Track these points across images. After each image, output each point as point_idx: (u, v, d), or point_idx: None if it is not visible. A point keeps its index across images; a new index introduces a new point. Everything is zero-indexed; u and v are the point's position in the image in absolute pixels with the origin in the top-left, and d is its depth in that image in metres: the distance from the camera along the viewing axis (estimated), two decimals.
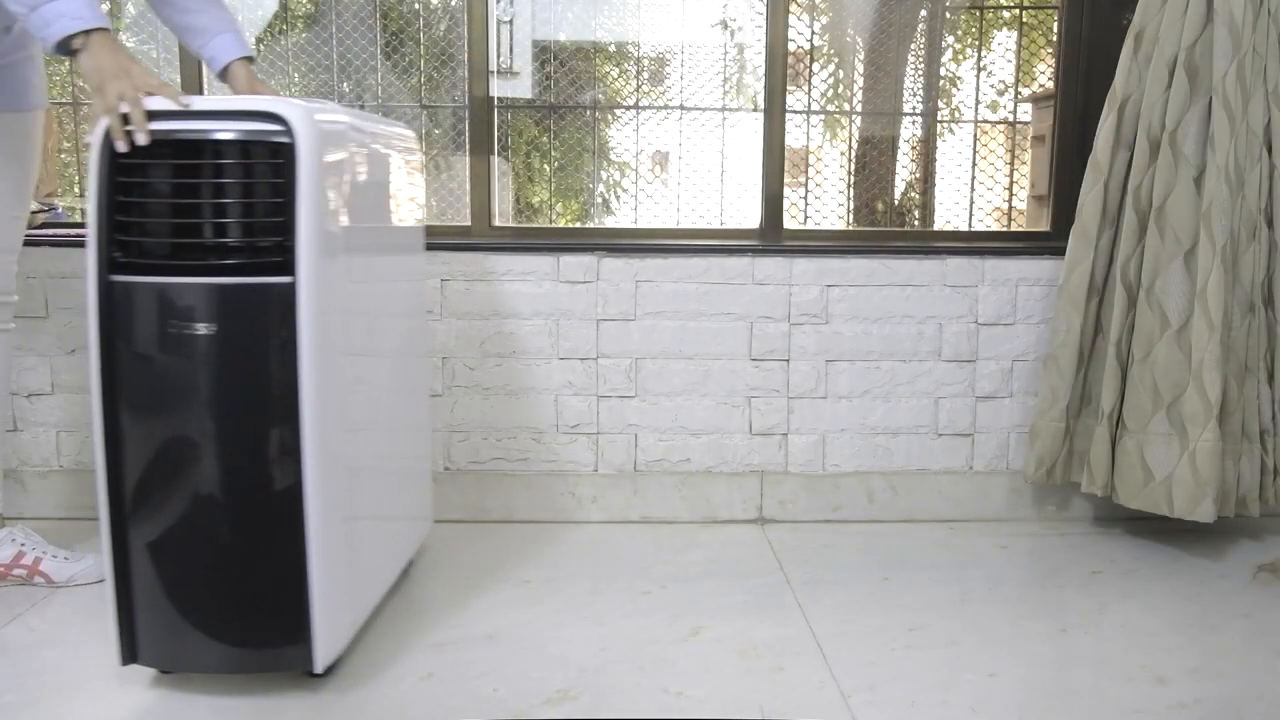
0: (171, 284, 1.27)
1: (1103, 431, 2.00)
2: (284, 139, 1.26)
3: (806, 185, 2.57)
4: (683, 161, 2.55)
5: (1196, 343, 1.87)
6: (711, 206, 2.50)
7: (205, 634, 1.34)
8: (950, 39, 2.65)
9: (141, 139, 1.26)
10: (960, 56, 2.64)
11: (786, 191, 2.32)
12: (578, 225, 2.70)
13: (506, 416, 2.17)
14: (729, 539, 2.09)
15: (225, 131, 1.27)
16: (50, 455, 2.15)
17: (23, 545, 1.77)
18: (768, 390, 2.19)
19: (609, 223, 2.69)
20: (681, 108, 2.57)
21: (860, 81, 2.72)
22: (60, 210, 2.58)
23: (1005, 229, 2.56)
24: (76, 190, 2.66)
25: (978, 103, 2.54)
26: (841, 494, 2.22)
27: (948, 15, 2.64)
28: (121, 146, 1.26)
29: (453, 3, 2.61)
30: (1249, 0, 1.84)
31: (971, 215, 2.52)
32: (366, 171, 1.48)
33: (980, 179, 2.52)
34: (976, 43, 2.58)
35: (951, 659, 1.52)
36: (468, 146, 2.38)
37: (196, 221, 1.28)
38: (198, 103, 1.30)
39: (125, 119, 1.27)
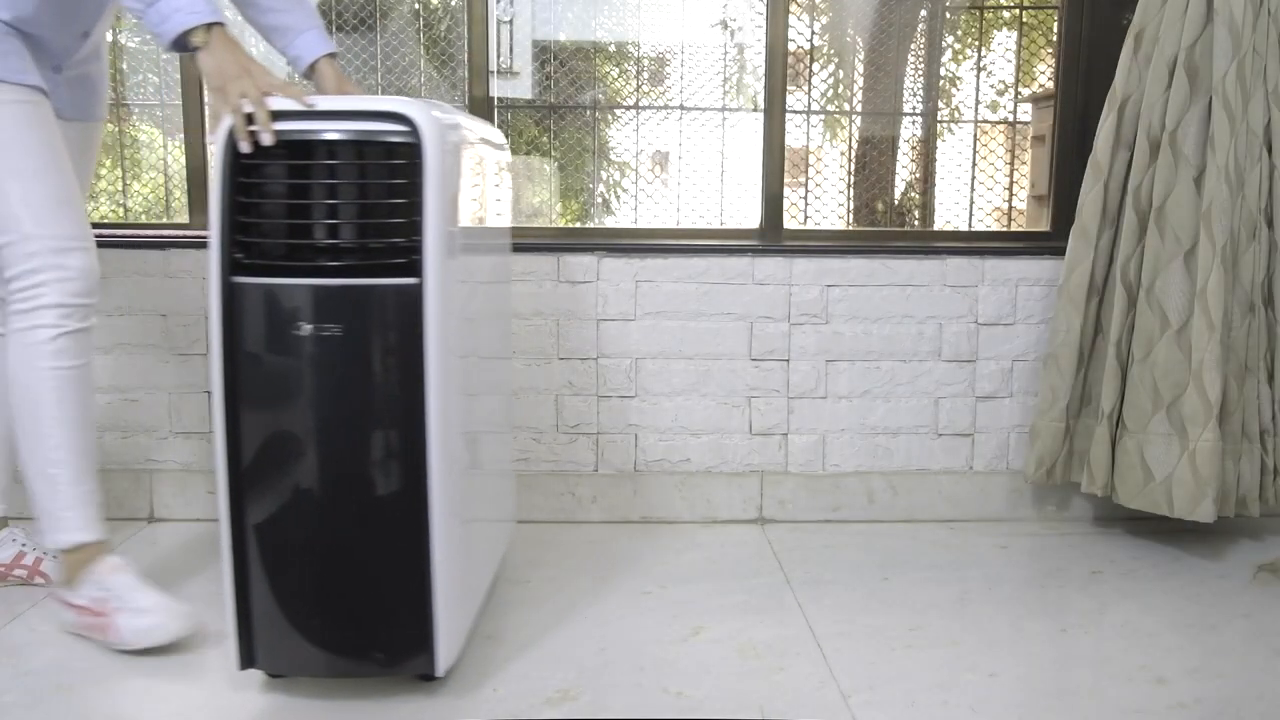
0: (298, 285, 1.25)
1: (1103, 431, 2.00)
2: (410, 139, 1.24)
3: (806, 185, 2.57)
4: (683, 161, 2.55)
5: (1196, 343, 1.87)
6: (711, 206, 2.51)
7: (325, 638, 1.33)
8: (950, 39, 2.65)
9: (267, 139, 1.24)
10: (960, 56, 2.64)
11: (786, 191, 2.32)
12: (578, 225, 2.71)
13: (507, 416, 2.17)
14: (729, 539, 2.09)
15: (350, 132, 1.25)
16: None
17: (24, 546, 1.76)
18: (768, 390, 2.19)
19: (609, 223, 2.69)
20: (681, 108, 2.57)
21: (860, 81, 2.72)
22: None
23: (1005, 229, 2.56)
24: None
25: (978, 103, 2.54)
26: (841, 494, 2.22)
27: (948, 15, 2.64)
28: (244, 147, 1.24)
29: (453, 3, 2.61)
30: (1249, 0, 1.84)
31: (971, 215, 2.52)
32: (474, 171, 1.47)
33: (980, 179, 2.52)
34: (976, 43, 2.58)
35: (951, 659, 1.52)
36: None
37: (323, 223, 1.26)
38: (321, 103, 1.28)
39: (248, 119, 1.25)
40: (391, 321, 1.27)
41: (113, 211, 2.68)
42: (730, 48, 2.60)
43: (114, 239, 2.12)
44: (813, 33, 2.61)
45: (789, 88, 2.52)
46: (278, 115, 1.25)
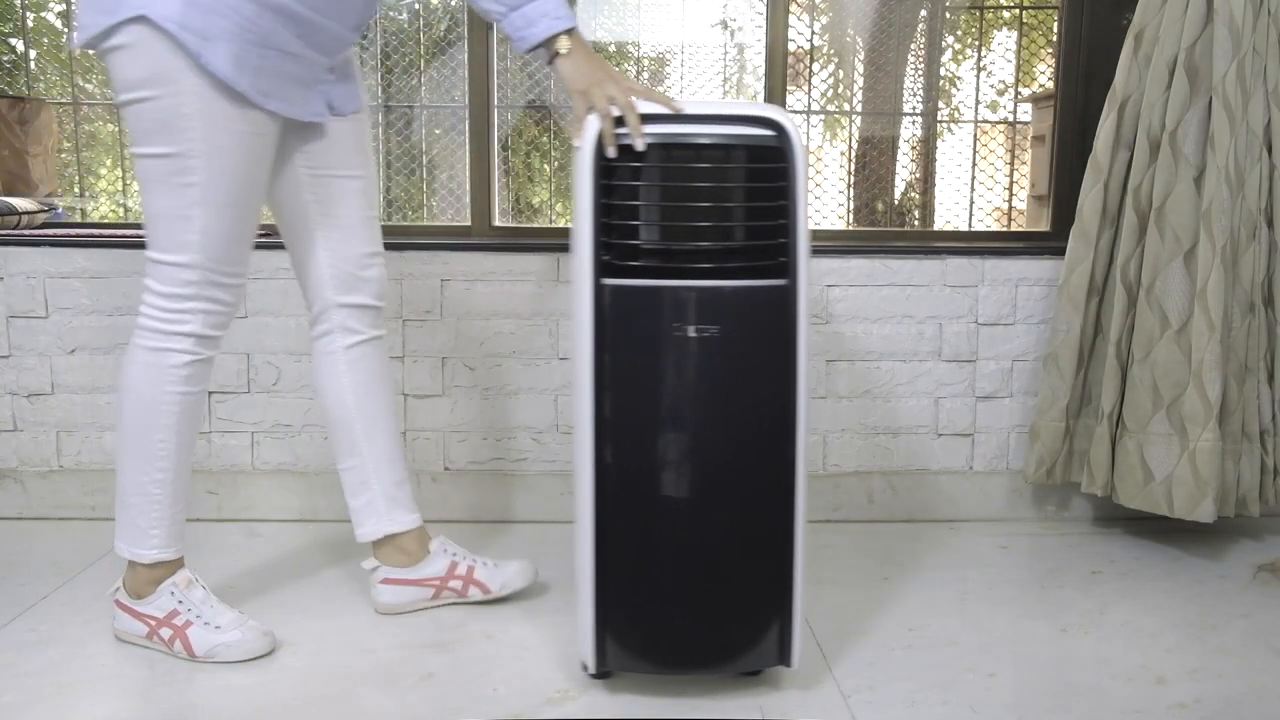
0: (677, 287, 1.27)
1: (1103, 431, 2.00)
2: (778, 143, 1.27)
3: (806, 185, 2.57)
4: None
5: (1196, 343, 1.87)
6: None
7: (692, 635, 1.35)
8: (950, 39, 2.65)
9: (639, 145, 1.25)
10: (960, 56, 2.64)
11: None
12: None
13: (506, 416, 2.17)
14: None
15: (723, 136, 1.27)
16: (50, 455, 2.15)
17: (455, 555, 1.68)
18: None
19: None
20: None
21: (860, 81, 2.72)
22: (60, 210, 2.58)
23: (1005, 229, 2.56)
24: (77, 190, 2.66)
25: (978, 103, 2.55)
26: (841, 494, 2.22)
27: (948, 15, 2.64)
28: (611, 152, 1.25)
29: (453, 3, 2.61)
30: (1249, 0, 1.84)
31: (971, 215, 2.52)
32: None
33: (980, 179, 2.52)
34: (976, 43, 2.58)
35: (951, 659, 1.52)
36: (468, 147, 2.38)
37: (700, 224, 1.27)
38: (688, 107, 1.29)
39: (616, 123, 1.25)
40: (765, 322, 1.29)
41: (113, 211, 2.68)
42: (730, 48, 2.61)
43: (114, 239, 2.12)
44: (813, 33, 2.61)
45: (789, 88, 2.51)
46: (647, 119, 1.27)
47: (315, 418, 2.14)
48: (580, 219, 1.27)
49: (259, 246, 2.10)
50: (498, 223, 2.41)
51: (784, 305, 1.28)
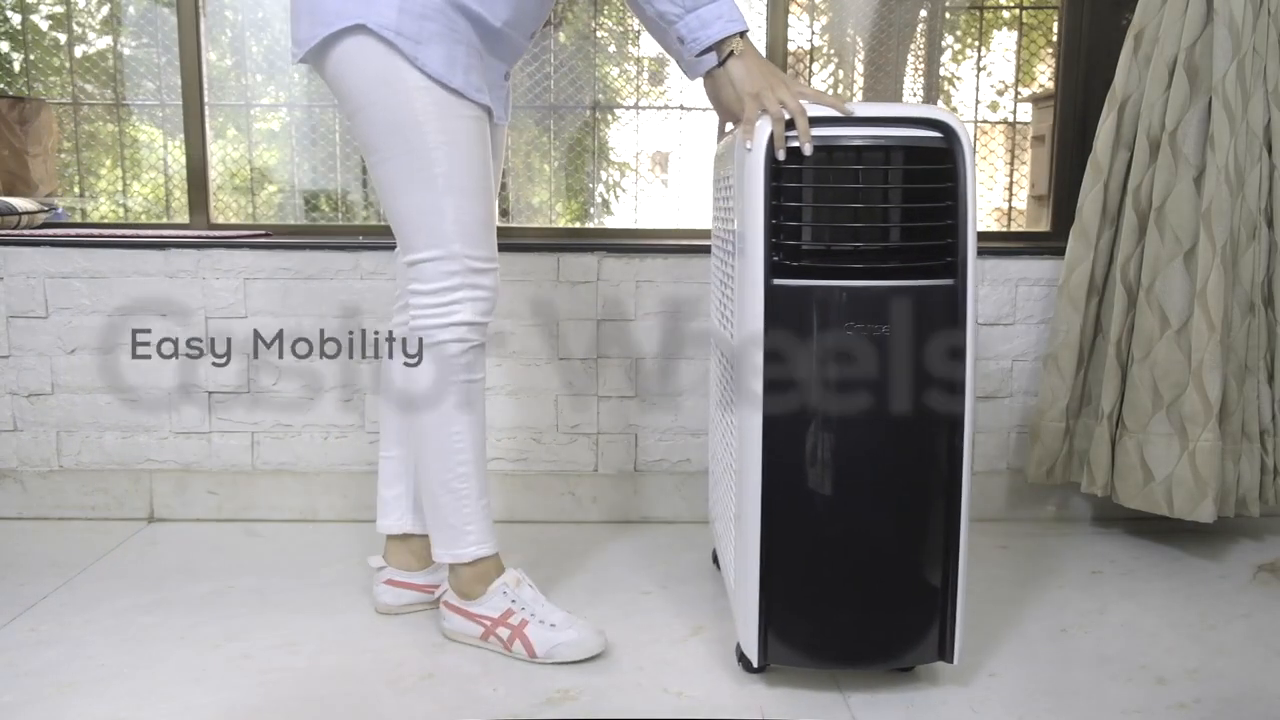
0: (848, 287, 1.29)
1: (1103, 431, 2.00)
2: (946, 144, 1.29)
3: None
4: (683, 161, 2.55)
5: (1196, 343, 1.87)
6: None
7: (856, 630, 1.37)
8: (950, 39, 2.65)
9: (808, 149, 1.26)
10: (960, 56, 2.64)
11: None
12: (578, 225, 2.71)
13: (506, 416, 2.17)
14: None
15: (894, 138, 1.29)
16: (50, 455, 2.15)
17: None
18: None
19: (609, 223, 2.69)
20: (681, 108, 2.57)
21: (860, 81, 2.72)
22: (60, 210, 2.58)
23: (1005, 229, 2.56)
24: (77, 190, 2.67)
25: (977, 103, 2.55)
26: None
27: (948, 15, 2.64)
28: (781, 154, 1.27)
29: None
30: (1249, 0, 1.84)
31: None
32: None
33: (980, 179, 2.52)
34: (976, 43, 2.58)
35: None
36: None
37: (866, 226, 1.29)
38: (858, 110, 1.30)
39: (787, 125, 1.27)
40: (934, 321, 1.30)
41: (113, 211, 2.68)
42: None
43: (114, 239, 2.12)
44: (813, 33, 2.61)
45: None
46: (816, 121, 1.28)
47: (315, 418, 2.14)
48: (750, 221, 1.28)
49: (258, 246, 2.11)
50: (498, 223, 2.41)
51: (952, 305, 1.30)
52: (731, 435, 1.49)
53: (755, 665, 1.39)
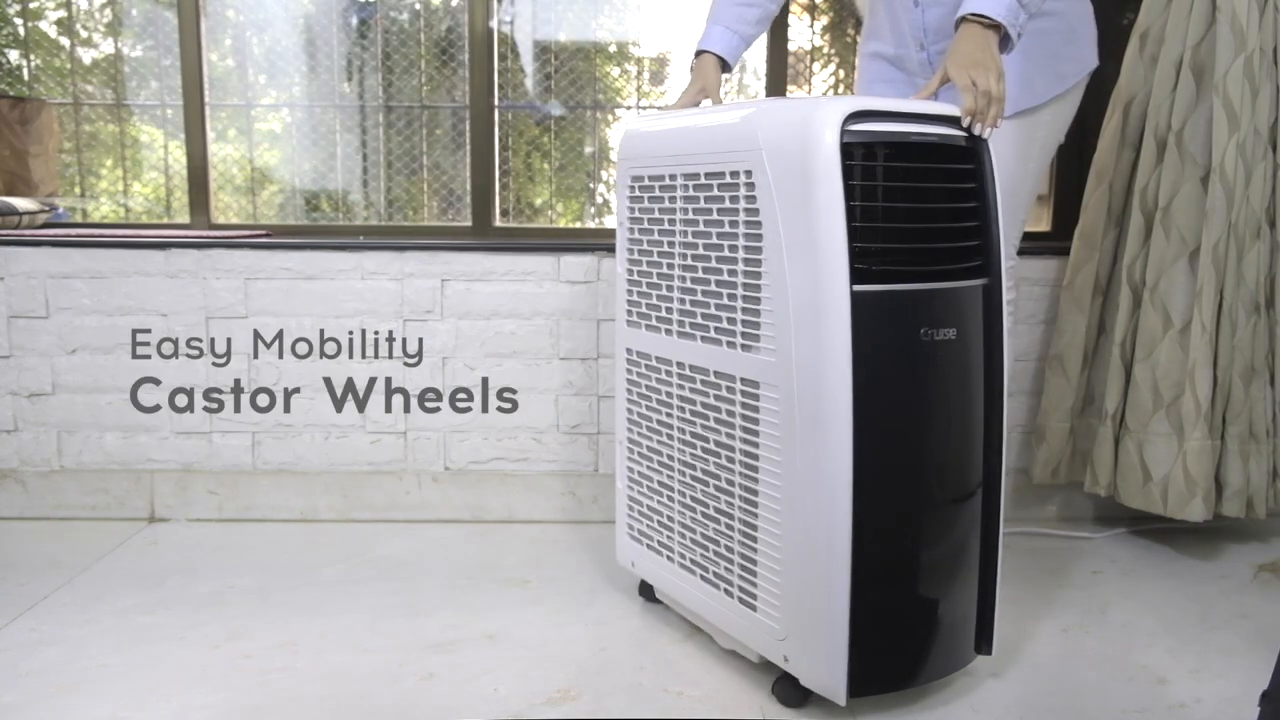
0: (919, 290, 1.26)
1: (1106, 432, 1.99)
2: (971, 144, 1.31)
3: None
4: None
5: (1193, 343, 1.86)
6: None
7: (936, 642, 1.33)
8: None
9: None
10: None
11: None
12: (578, 225, 2.71)
13: (506, 417, 2.17)
14: None
15: (940, 136, 1.28)
16: (51, 455, 2.15)
17: None
18: None
19: (609, 223, 2.69)
20: None
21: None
22: (61, 210, 2.59)
23: None
24: (78, 190, 2.67)
25: None
26: None
27: None
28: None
29: (453, 3, 2.61)
30: None
31: None
32: None
33: None
34: None
35: None
36: (468, 147, 2.38)
37: (932, 226, 1.27)
38: (909, 106, 1.30)
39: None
40: (983, 321, 1.32)
41: (114, 212, 2.68)
42: None
43: (115, 239, 2.13)
44: (813, 33, 2.60)
45: (789, 88, 2.51)
46: (875, 115, 1.23)
47: (315, 418, 2.14)
48: (811, 222, 1.20)
49: (259, 246, 2.12)
50: (498, 223, 2.41)
51: (993, 303, 1.32)
52: (669, 448, 1.47)
53: (843, 702, 1.27)
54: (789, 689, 1.34)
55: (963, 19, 1.42)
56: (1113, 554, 2.01)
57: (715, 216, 1.38)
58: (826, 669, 1.26)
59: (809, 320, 1.22)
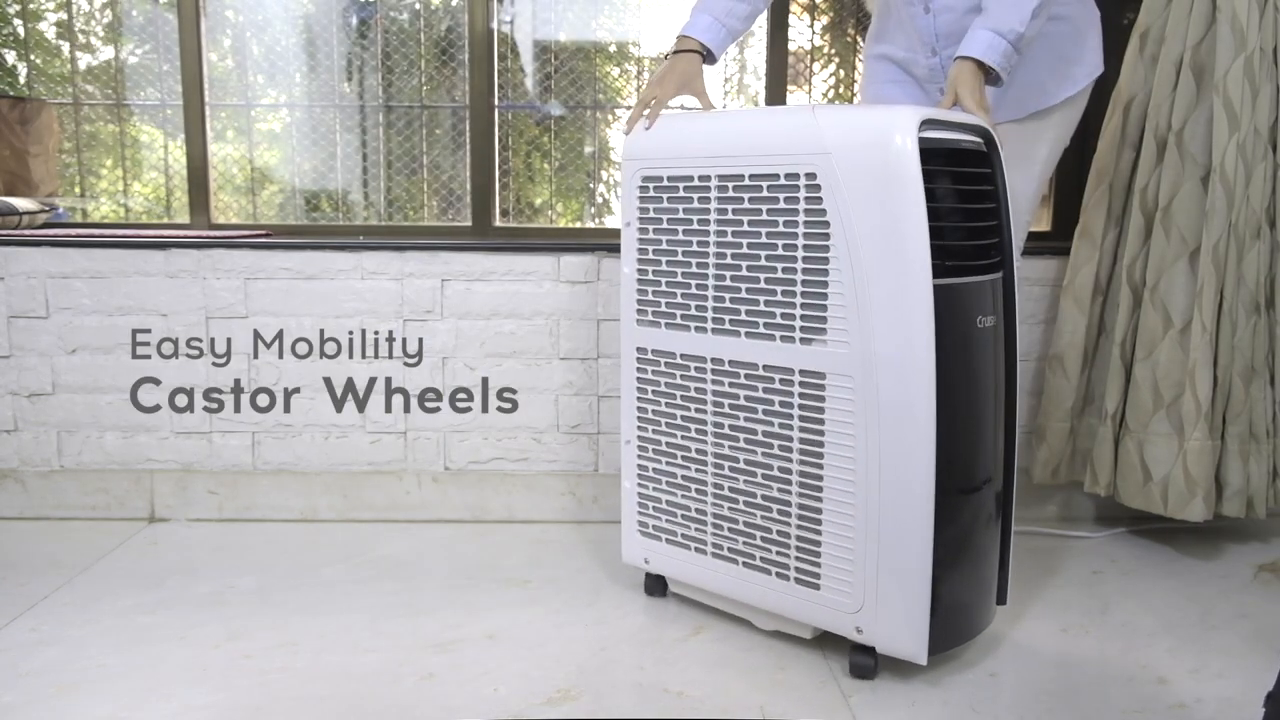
0: (979, 283, 1.40)
1: (1106, 432, 1.99)
2: (986, 149, 1.44)
3: None
4: None
5: (1193, 343, 1.86)
6: None
7: (983, 604, 1.50)
8: None
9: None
10: None
11: None
12: (578, 225, 2.71)
13: (506, 417, 2.17)
14: None
15: (970, 143, 1.42)
16: (51, 455, 2.15)
17: None
18: None
19: (609, 223, 2.69)
20: (682, 108, 2.56)
21: (860, 81, 2.71)
22: (61, 210, 2.59)
23: None
24: (78, 190, 2.67)
25: None
26: None
27: None
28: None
29: (453, 3, 2.61)
30: None
31: None
32: None
33: None
34: None
35: (951, 658, 1.51)
36: (468, 147, 2.38)
37: (982, 224, 1.41)
38: (948, 115, 1.41)
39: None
40: (1006, 311, 1.46)
41: (113, 212, 2.68)
42: (731, 48, 2.60)
43: (115, 239, 2.12)
44: (813, 33, 2.60)
45: (789, 88, 2.52)
46: (937, 124, 1.36)
47: (315, 418, 2.14)
48: (894, 219, 1.30)
49: (259, 246, 2.12)
50: (498, 223, 2.41)
51: (1010, 293, 1.46)
52: (698, 443, 1.54)
53: (924, 661, 1.38)
54: (864, 659, 1.43)
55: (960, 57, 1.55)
56: (1113, 554, 2.01)
57: (766, 216, 1.43)
58: (909, 635, 1.37)
59: (890, 313, 1.31)
